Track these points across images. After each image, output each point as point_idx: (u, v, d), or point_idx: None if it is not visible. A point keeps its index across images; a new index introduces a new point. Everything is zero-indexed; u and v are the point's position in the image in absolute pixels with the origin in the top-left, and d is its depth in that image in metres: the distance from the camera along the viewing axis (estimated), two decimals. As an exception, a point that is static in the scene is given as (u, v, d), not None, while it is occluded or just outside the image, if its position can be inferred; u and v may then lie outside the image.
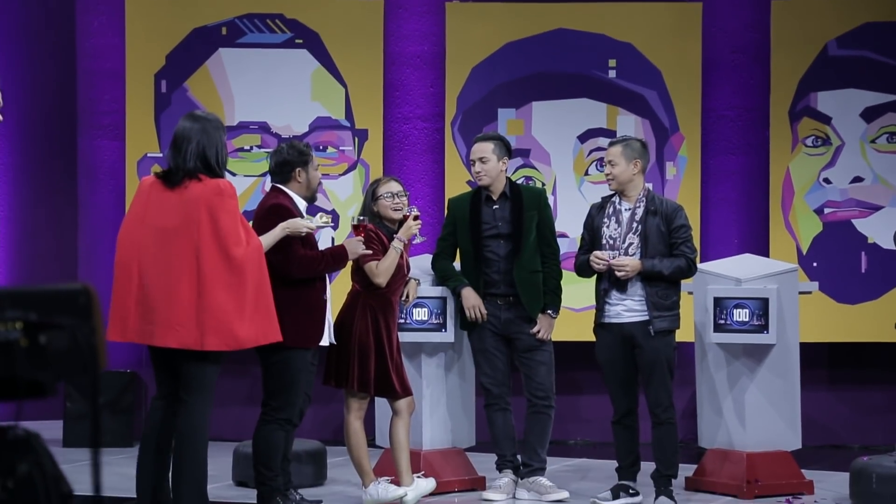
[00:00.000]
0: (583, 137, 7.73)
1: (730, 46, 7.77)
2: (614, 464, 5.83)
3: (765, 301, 5.86)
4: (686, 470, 6.06)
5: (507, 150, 5.93)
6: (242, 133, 7.72)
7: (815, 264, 7.61)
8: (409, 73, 7.88)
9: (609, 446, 6.07)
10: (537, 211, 5.88)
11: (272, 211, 5.27)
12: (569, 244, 7.31)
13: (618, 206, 5.72)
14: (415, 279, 5.89)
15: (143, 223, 4.81)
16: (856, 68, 7.64)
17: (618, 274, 5.59)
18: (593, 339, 5.81)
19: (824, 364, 7.82)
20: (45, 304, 2.16)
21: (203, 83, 7.69)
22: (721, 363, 6.04)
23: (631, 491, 5.72)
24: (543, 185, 7.63)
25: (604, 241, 5.68)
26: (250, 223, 5.22)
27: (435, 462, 5.96)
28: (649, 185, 6.02)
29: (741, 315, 5.88)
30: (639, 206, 5.67)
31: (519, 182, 6.20)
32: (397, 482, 5.61)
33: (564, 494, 5.79)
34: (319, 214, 5.22)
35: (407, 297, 5.81)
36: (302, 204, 5.41)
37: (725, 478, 5.95)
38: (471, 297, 5.85)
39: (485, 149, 5.88)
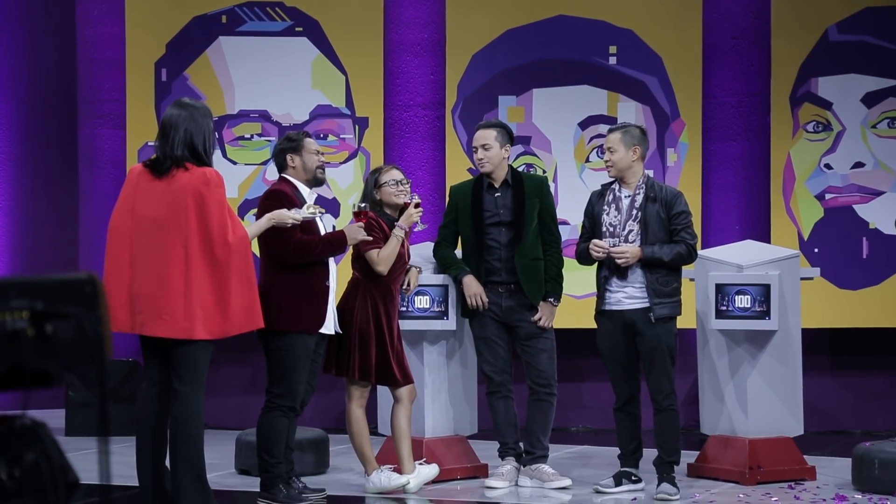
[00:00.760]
0: (583, 124, 7.72)
1: (730, 32, 7.76)
2: (616, 451, 5.84)
3: (766, 287, 5.86)
4: (688, 456, 6.06)
5: (509, 138, 5.92)
6: (243, 122, 7.71)
7: (816, 250, 7.62)
8: (410, 61, 7.86)
9: (611, 433, 6.08)
10: (539, 198, 5.87)
11: (269, 196, 5.35)
12: (570, 231, 7.31)
13: (617, 194, 5.71)
14: (416, 267, 5.90)
15: (132, 213, 4.82)
16: (856, 53, 7.63)
17: (618, 261, 5.59)
18: (595, 326, 5.81)
19: (826, 350, 7.83)
20: (52, 294, 2.16)
21: (203, 72, 7.68)
22: (723, 349, 6.04)
23: (633, 477, 5.73)
24: (544, 172, 7.63)
25: (604, 229, 5.68)
26: (251, 212, 5.24)
27: (437, 450, 5.97)
28: (649, 172, 6.01)
29: (743, 301, 5.88)
30: (638, 193, 5.67)
31: (520, 169, 6.19)
32: (399, 470, 5.62)
33: (567, 481, 5.80)
34: (307, 205, 5.21)
35: (408, 285, 5.81)
36: (305, 190, 5.42)
37: (727, 464, 5.96)
38: (472, 285, 5.85)
39: (487, 136, 5.87)
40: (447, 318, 5.99)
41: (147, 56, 7.67)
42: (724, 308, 5.91)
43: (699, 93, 7.69)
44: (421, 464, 5.70)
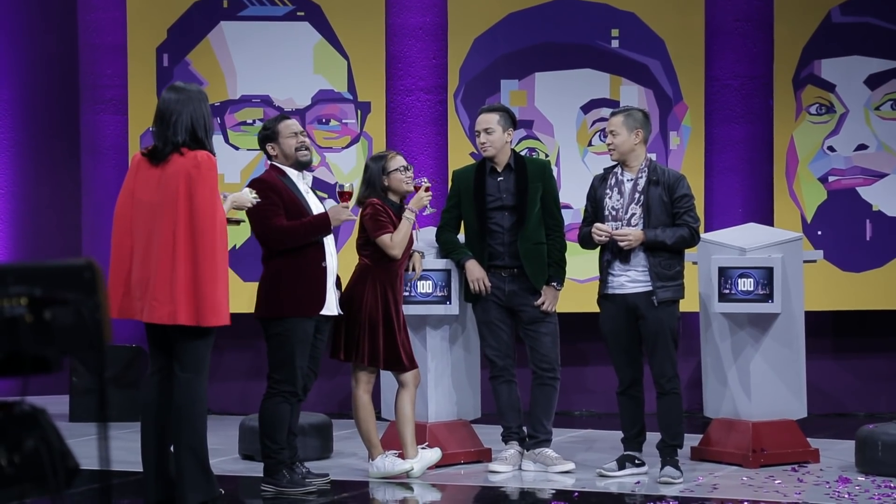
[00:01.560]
0: (586, 108, 7.70)
1: (733, 15, 7.73)
2: (620, 434, 5.84)
3: (769, 270, 5.85)
4: (691, 440, 6.06)
5: (512, 122, 5.91)
6: (245, 107, 7.70)
7: (819, 233, 7.60)
8: (412, 45, 7.84)
9: (614, 417, 6.08)
10: (541, 182, 5.86)
11: (255, 185, 5.36)
12: (573, 215, 7.30)
13: (620, 177, 5.70)
14: (419, 252, 5.89)
15: (133, 200, 4.83)
16: (859, 35, 7.60)
17: (620, 244, 5.58)
18: (598, 310, 5.80)
19: (829, 332, 7.82)
20: (50, 280, 2.16)
21: (205, 57, 7.67)
22: (726, 333, 6.03)
23: (637, 461, 5.73)
24: (547, 156, 7.62)
25: (606, 213, 5.67)
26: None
27: (440, 434, 5.97)
28: (652, 156, 6.00)
29: (746, 284, 5.87)
30: (641, 177, 5.66)
31: (522, 153, 6.17)
32: (403, 456, 5.62)
33: (570, 465, 5.80)
34: (247, 189, 5.20)
35: (413, 269, 5.83)
36: (295, 174, 5.44)
37: (731, 447, 5.96)
38: (475, 270, 5.84)
39: (490, 120, 5.85)
40: (450, 303, 5.99)
41: (148, 41, 7.66)
42: (727, 291, 5.90)
43: (702, 76, 7.67)
44: (424, 448, 5.71)
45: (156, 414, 4.90)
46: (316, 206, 5.47)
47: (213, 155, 4.83)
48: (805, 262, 6.17)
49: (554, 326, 5.87)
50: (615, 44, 7.67)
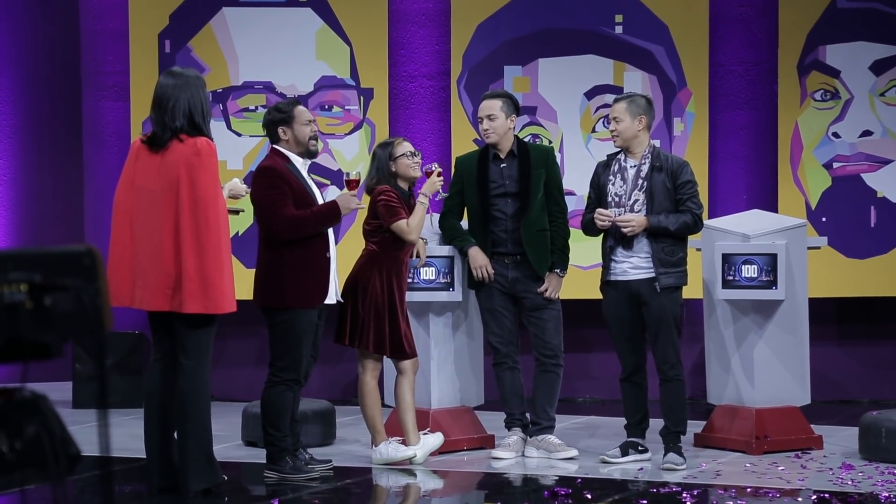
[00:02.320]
0: (590, 94, 7.68)
1: (737, 0, 7.70)
2: (623, 421, 5.83)
3: (773, 257, 5.83)
4: (695, 426, 6.06)
5: (515, 108, 5.89)
6: (247, 93, 7.68)
7: (823, 219, 7.58)
8: (415, 31, 7.82)
9: (617, 403, 6.07)
10: (545, 169, 5.84)
11: (261, 172, 5.31)
12: (576, 202, 7.28)
13: (623, 164, 5.68)
14: (422, 238, 5.89)
15: (133, 187, 4.82)
16: (865, 21, 7.57)
17: (623, 230, 5.56)
18: (601, 296, 5.79)
19: (833, 319, 7.80)
20: (50, 266, 2.15)
21: (207, 43, 7.65)
22: (729, 319, 6.02)
23: (640, 448, 5.73)
24: (550, 142, 7.59)
25: (609, 199, 5.65)
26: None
27: (443, 421, 5.96)
28: (656, 142, 5.98)
29: (750, 271, 5.86)
30: (644, 163, 5.64)
31: (525, 140, 6.15)
32: (405, 442, 5.62)
33: (573, 452, 5.80)
34: (237, 179, 5.19)
35: (418, 256, 5.83)
36: (299, 161, 5.39)
37: (734, 434, 5.95)
38: (478, 257, 5.83)
39: (493, 106, 5.83)
40: (453, 290, 5.98)
41: (150, 27, 7.63)
42: (731, 278, 5.88)
43: (706, 61, 7.64)
44: (425, 433, 5.71)
45: (159, 401, 4.90)
46: (317, 194, 5.43)
47: (212, 141, 4.81)
48: (809, 248, 6.15)
49: (557, 313, 5.86)
50: (619, 30, 7.65)
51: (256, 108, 7.65)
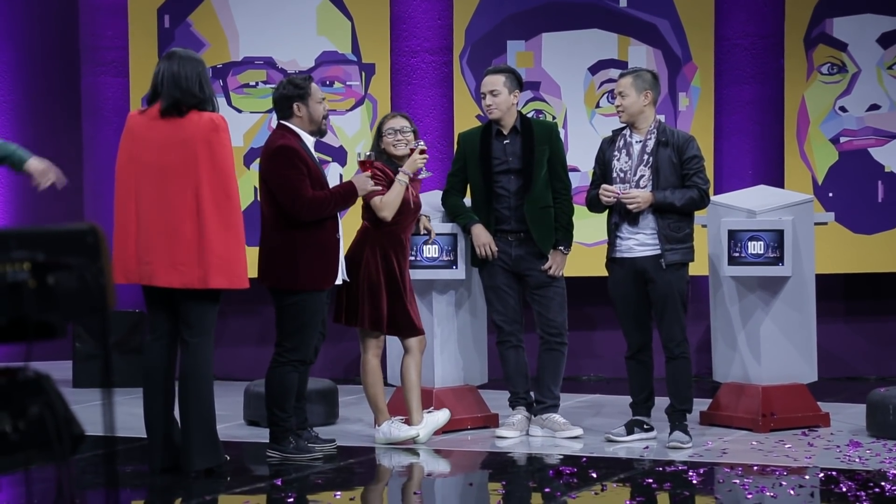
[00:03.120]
0: (594, 69, 7.61)
1: (743, -27, 7.64)
2: (628, 399, 5.79)
3: (780, 233, 5.79)
4: (701, 404, 6.03)
5: (518, 83, 5.82)
6: (247, 69, 7.61)
7: (830, 194, 7.53)
8: (416, 6, 7.75)
9: (623, 382, 6.04)
10: (548, 145, 5.78)
11: (279, 152, 5.18)
12: (580, 178, 7.23)
13: (628, 139, 5.63)
14: (425, 215, 5.84)
15: (135, 162, 4.77)
16: (872, -7, 7.51)
17: (629, 206, 5.51)
18: (606, 273, 5.75)
19: (840, 295, 7.77)
20: (53, 245, 2.12)
21: (206, 18, 7.57)
22: (735, 296, 5.98)
23: (645, 426, 5.69)
24: (554, 118, 7.53)
25: (614, 175, 5.60)
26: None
27: (447, 400, 5.93)
28: (661, 117, 5.92)
29: (756, 247, 5.81)
30: (650, 138, 5.58)
31: (529, 115, 6.09)
32: (409, 422, 5.59)
33: (578, 431, 5.76)
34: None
35: (427, 231, 5.79)
36: (309, 140, 5.32)
37: (741, 411, 5.92)
38: (481, 235, 5.78)
39: (496, 81, 5.77)
40: (456, 268, 5.93)
41: (149, 2, 7.56)
42: (737, 254, 5.84)
43: (711, 35, 7.57)
44: (429, 412, 5.67)
45: (162, 380, 4.86)
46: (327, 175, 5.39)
47: (223, 117, 4.79)
48: (816, 224, 6.11)
49: (561, 291, 5.81)
50: (623, 3, 7.57)
51: (257, 83, 7.59)
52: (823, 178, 7.56)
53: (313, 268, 5.17)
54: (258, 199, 5.57)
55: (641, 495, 4.60)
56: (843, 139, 7.57)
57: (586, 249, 7.22)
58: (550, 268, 5.76)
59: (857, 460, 5.14)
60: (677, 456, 5.33)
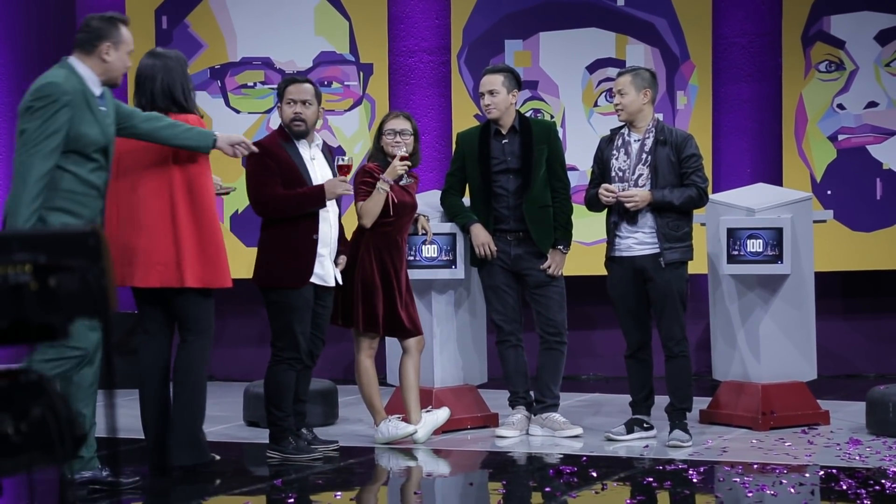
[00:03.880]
0: (591, 68, 7.61)
1: (740, -29, 7.64)
2: (628, 398, 5.79)
3: (779, 231, 5.79)
4: (700, 403, 6.03)
5: (517, 83, 5.82)
6: (245, 69, 7.61)
7: (829, 192, 7.53)
8: (414, 5, 7.74)
9: (622, 381, 6.04)
10: (547, 145, 5.78)
11: (254, 151, 5.19)
12: (578, 177, 7.23)
13: (627, 138, 5.63)
14: (423, 215, 5.83)
15: (117, 163, 4.80)
16: (870, -10, 7.51)
17: (627, 205, 5.51)
18: (605, 273, 5.75)
19: (839, 293, 7.77)
20: (54, 246, 2.12)
21: (204, 18, 7.57)
22: (735, 294, 5.98)
23: (645, 425, 5.69)
24: (552, 117, 7.53)
25: (613, 174, 5.60)
26: None
27: (447, 399, 5.93)
28: (659, 116, 5.92)
29: (755, 245, 5.81)
30: (648, 137, 5.58)
31: (527, 115, 6.09)
32: (407, 420, 5.59)
33: (578, 430, 5.76)
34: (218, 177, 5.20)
35: (424, 231, 5.78)
36: (304, 144, 5.36)
37: (740, 410, 5.92)
38: (480, 234, 5.78)
39: (494, 81, 5.77)
40: (455, 267, 5.93)
41: (147, 3, 7.56)
42: (736, 252, 5.84)
43: (709, 34, 7.57)
44: (428, 411, 5.67)
45: (159, 379, 4.89)
46: (323, 175, 5.36)
47: (201, 117, 4.81)
48: (815, 222, 6.11)
49: (561, 290, 5.81)
50: (621, 2, 7.57)
51: (255, 84, 7.59)
52: (822, 176, 7.56)
53: (282, 265, 5.22)
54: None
55: (641, 494, 4.60)
56: (841, 137, 7.57)
57: (585, 248, 7.22)
58: (549, 267, 5.76)
59: (857, 458, 5.14)
60: (677, 454, 5.33)
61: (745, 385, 5.94)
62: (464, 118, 7.41)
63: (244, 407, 6.20)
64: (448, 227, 5.93)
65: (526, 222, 5.74)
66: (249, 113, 7.60)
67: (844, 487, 4.59)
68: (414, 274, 5.79)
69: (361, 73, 7.62)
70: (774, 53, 7.62)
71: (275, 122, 7.29)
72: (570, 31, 7.58)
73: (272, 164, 5.23)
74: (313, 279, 5.28)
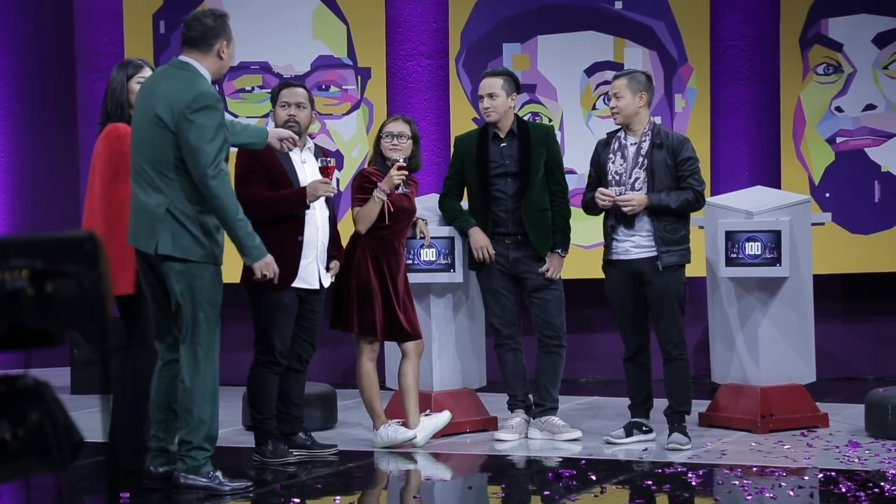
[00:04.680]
0: (589, 71, 7.61)
1: (738, -26, 7.64)
2: (627, 401, 5.79)
3: (777, 233, 5.79)
4: (699, 406, 6.03)
5: (516, 86, 5.82)
6: (243, 73, 7.60)
7: (827, 195, 7.53)
8: (412, 9, 7.74)
9: (621, 384, 6.03)
10: (545, 148, 5.78)
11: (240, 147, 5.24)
12: (577, 180, 7.23)
13: (623, 141, 5.63)
14: (422, 219, 5.83)
15: (116, 167, 4.88)
16: (868, -7, 7.51)
17: (624, 209, 5.51)
18: (603, 276, 5.74)
19: (838, 295, 7.77)
20: (51, 252, 2.12)
21: (202, 23, 7.55)
22: (733, 297, 5.98)
23: (644, 428, 5.69)
24: (550, 120, 7.53)
25: (609, 178, 5.60)
26: None
27: (446, 403, 5.92)
28: (657, 119, 5.92)
29: (753, 248, 5.81)
30: (644, 140, 5.58)
31: (525, 118, 6.10)
32: (407, 424, 5.58)
33: (577, 433, 5.76)
34: None
35: (422, 235, 5.78)
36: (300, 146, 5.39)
37: (739, 413, 5.92)
38: (479, 238, 5.78)
39: (494, 84, 5.77)
40: (454, 271, 5.93)
41: (145, 7, 7.55)
42: (734, 255, 5.84)
43: (707, 37, 7.57)
44: (427, 415, 5.67)
45: (129, 387, 4.85)
46: (313, 178, 5.34)
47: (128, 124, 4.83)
48: (813, 224, 6.11)
49: (559, 293, 5.81)
50: (619, 5, 7.57)
51: (252, 88, 7.58)
52: (820, 179, 7.56)
53: None
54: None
55: (641, 497, 4.60)
56: (839, 139, 7.57)
57: (583, 252, 7.22)
58: (548, 270, 5.76)
59: (856, 460, 5.14)
60: (676, 457, 5.33)
61: (744, 388, 5.94)
62: (462, 122, 7.41)
63: (243, 412, 6.19)
64: (446, 231, 5.92)
65: (524, 226, 5.74)
66: (247, 117, 7.59)
67: (843, 490, 4.59)
68: (412, 277, 5.78)
69: (359, 77, 7.62)
70: (772, 56, 7.62)
71: (272, 126, 7.29)
72: (567, 35, 7.58)
73: (258, 166, 5.24)
74: (298, 283, 5.26)
